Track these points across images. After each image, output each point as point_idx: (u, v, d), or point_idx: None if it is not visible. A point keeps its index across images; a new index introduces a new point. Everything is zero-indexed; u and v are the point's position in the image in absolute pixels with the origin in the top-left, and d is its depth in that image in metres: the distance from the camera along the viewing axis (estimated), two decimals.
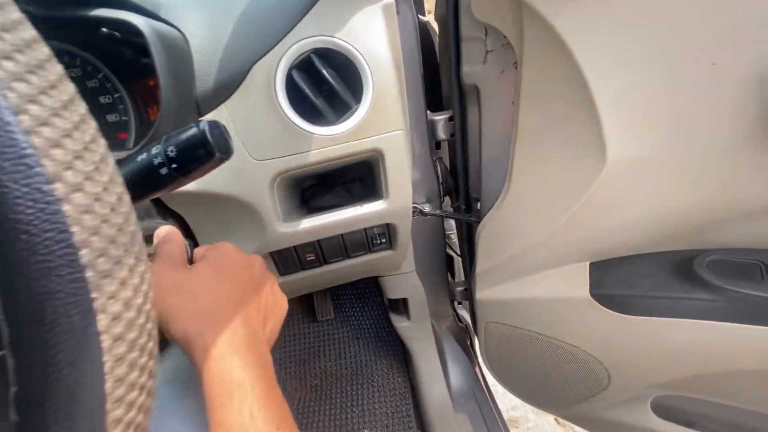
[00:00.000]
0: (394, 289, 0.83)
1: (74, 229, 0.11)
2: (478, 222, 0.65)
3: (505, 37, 0.50)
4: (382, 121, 0.45)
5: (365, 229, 0.54)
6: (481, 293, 0.69)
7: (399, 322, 0.91)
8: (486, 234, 0.63)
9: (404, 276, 0.81)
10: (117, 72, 0.46)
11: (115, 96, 0.47)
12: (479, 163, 0.62)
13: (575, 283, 0.57)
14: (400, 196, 0.49)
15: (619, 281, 0.54)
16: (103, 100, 0.47)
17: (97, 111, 0.47)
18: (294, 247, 0.52)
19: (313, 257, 0.55)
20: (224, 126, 0.30)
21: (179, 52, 0.41)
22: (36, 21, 0.12)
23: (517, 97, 0.51)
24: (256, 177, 0.45)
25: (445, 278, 0.91)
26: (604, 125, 0.44)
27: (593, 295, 0.55)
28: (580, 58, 0.42)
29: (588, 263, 0.58)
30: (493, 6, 0.48)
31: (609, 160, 0.46)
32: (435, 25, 0.67)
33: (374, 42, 0.45)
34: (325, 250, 0.54)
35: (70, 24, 0.41)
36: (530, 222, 0.58)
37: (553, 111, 0.49)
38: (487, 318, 0.71)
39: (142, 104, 0.48)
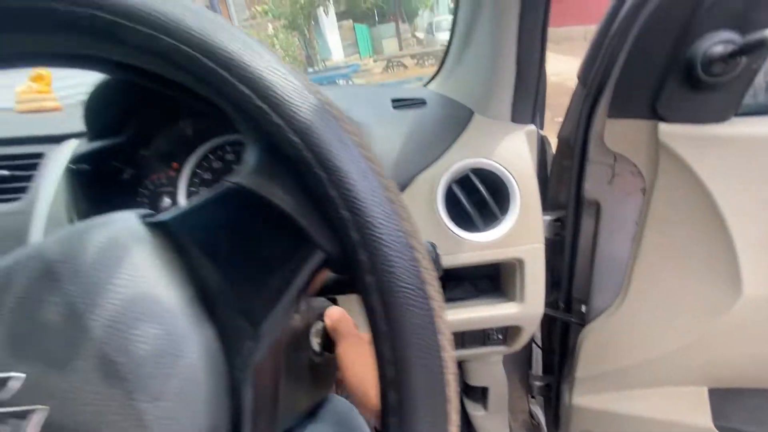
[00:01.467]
0: (476, 376, 0.83)
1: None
2: (581, 324, 0.66)
3: (635, 165, 0.55)
4: (525, 233, 0.50)
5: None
6: (579, 399, 0.68)
7: (474, 410, 0.89)
8: (592, 340, 0.64)
9: (490, 364, 0.81)
10: None
11: None
12: (589, 269, 0.64)
13: (694, 408, 0.56)
14: (533, 302, 0.53)
15: (749, 415, 0.52)
16: None
17: None
18: None
19: None
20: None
21: None
22: None
23: (643, 219, 0.55)
24: None
25: (527, 371, 0.90)
26: (741, 262, 0.47)
27: (718, 427, 0.53)
28: (720, 202, 0.46)
29: (706, 388, 0.57)
30: (628, 140, 0.54)
31: (745, 294, 0.48)
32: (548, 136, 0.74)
33: (521, 163, 0.51)
34: None
35: None
36: (647, 337, 0.58)
37: (682, 237, 0.52)
38: (581, 425, 0.69)
39: None
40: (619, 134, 0.54)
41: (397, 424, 0.19)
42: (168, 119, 0.53)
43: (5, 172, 0.51)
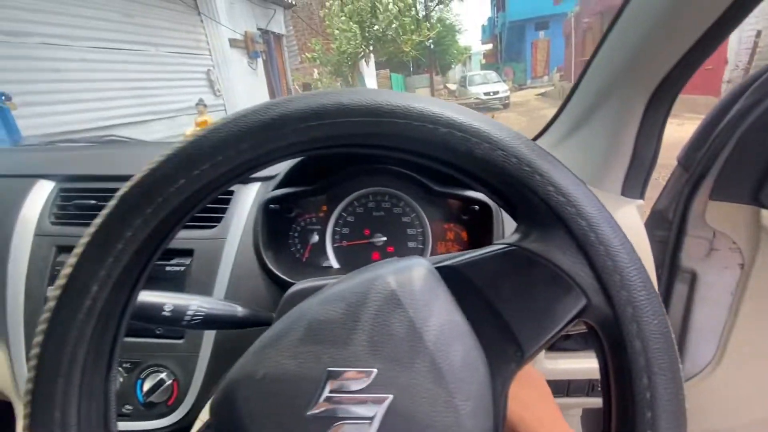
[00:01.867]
0: None
1: None
2: None
3: (734, 243, 0.62)
4: None
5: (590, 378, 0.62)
6: None
7: None
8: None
9: (569, 417, 0.84)
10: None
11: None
12: (681, 334, 0.70)
13: None
14: None
15: None
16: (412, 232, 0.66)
17: None
18: None
19: None
20: None
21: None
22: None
23: (741, 291, 0.61)
24: None
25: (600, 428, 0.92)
26: None
27: None
28: None
29: None
30: (729, 220, 0.61)
31: None
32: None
33: (636, 237, 0.59)
34: (552, 386, 0.63)
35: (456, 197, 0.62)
36: (741, 402, 0.62)
37: None
38: None
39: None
40: (719, 214, 0.62)
41: None
42: (350, 178, 0.65)
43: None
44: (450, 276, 0.28)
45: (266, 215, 0.60)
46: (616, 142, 0.59)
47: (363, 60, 9.68)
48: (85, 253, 0.25)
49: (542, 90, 15.21)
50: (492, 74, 14.68)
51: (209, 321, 0.43)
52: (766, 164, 0.56)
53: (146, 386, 0.56)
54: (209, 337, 0.57)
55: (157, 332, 0.58)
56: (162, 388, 0.55)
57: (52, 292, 0.26)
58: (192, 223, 0.62)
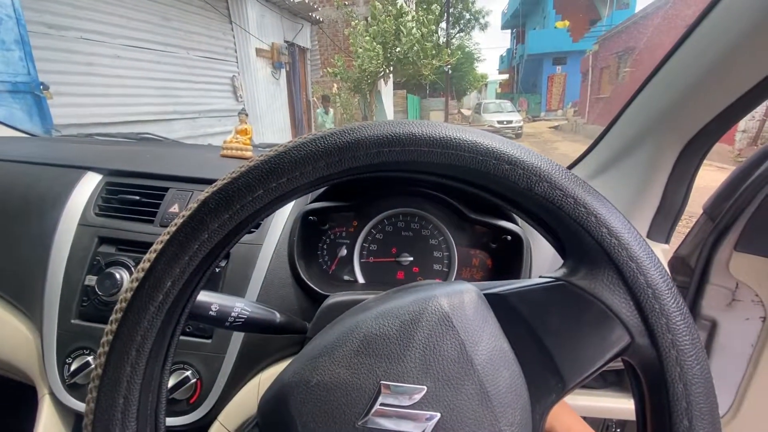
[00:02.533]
0: None
1: None
2: None
3: (757, 295, 0.63)
4: None
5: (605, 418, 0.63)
6: None
7: None
8: None
9: None
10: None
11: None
12: None
13: None
14: None
15: None
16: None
17: None
18: None
19: None
20: None
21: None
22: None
23: (761, 345, 0.62)
24: None
25: None
26: None
27: None
28: None
29: None
30: (754, 272, 0.62)
31: None
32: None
33: None
34: None
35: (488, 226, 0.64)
36: None
37: None
38: None
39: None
40: (744, 265, 0.63)
41: None
42: (383, 197, 0.67)
43: None
44: (497, 303, 0.30)
45: (303, 226, 0.62)
46: (647, 186, 0.61)
47: (382, 79, 9.88)
48: (164, 250, 0.27)
49: (556, 123, 15.35)
50: (507, 104, 14.91)
51: (250, 324, 0.44)
52: None
53: (171, 382, 0.57)
54: (237, 339, 0.58)
55: (187, 330, 0.59)
56: (186, 385, 0.57)
57: (129, 283, 0.28)
58: None
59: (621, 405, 0.60)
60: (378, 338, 0.28)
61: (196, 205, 0.28)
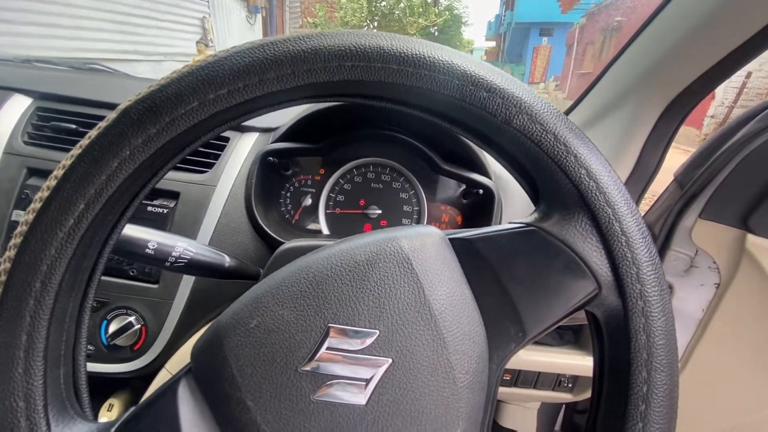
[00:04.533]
0: (510, 419, 0.88)
1: None
2: None
3: (714, 262, 0.64)
4: None
5: (559, 373, 0.64)
6: None
7: None
8: None
9: (526, 409, 0.87)
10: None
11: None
12: None
13: None
14: None
15: None
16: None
17: None
18: None
19: (509, 378, 0.65)
20: None
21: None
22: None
23: (711, 310, 0.64)
24: None
25: (554, 425, 0.96)
26: None
27: None
28: None
29: None
30: (715, 240, 0.63)
31: None
32: None
33: None
34: (521, 377, 0.64)
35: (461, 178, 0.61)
36: (688, 414, 0.66)
37: (746, 334, 0.60)
38: None
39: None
40: (705, 232, 0.64)
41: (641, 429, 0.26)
42: (354, 143, 0.62)
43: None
44: (462, 249, 0.28)
45: (262, 168, 0.57)
46: (625, 145, 0.59)
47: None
48: (75, 166, 0.23)
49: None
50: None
51: (194, 266, 0.40)
52: (760, 191, 0.58)
53: (112, 328, 0.53)
54: (186, 285, 0.54)
55: (131, 273, 0.55)
56: (129, 332, 0.53)
57: (33, 204, 0.23)
58: (181, 165, 0.58)
59: (575, 361, 0.62)
60: (329, 279, 0.25)
61: (115, 115, 0.23)
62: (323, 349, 0.24)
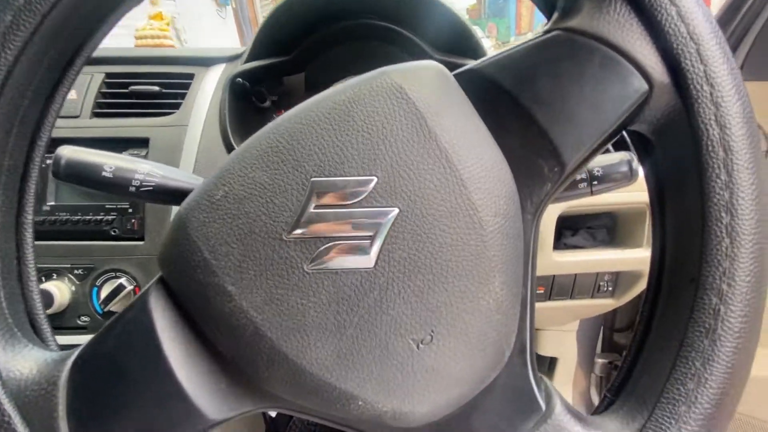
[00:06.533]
0: (550, 346, 0.83)
1: None
2: None
3: (760, 127, 0.57)
4: None
5: (597, 274, 0.58)
6: None
7: None
8: None
9: (564, 334, 0.82)
10: None
11: None
12: None
13: None
14: None
15: None
16: None
17: None
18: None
19: (542, 291, 0.59)
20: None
21: None
22: None
23: None
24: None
25: (594, 348, 0.91)
26: None
27: None
28: None
29: None
30: (759, 103, 0.55)
31: None
32: None
33: None
34: (556, 286, 0.59)
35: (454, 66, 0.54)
36: None
37: None
38: None
39: None
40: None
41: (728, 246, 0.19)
42: (323, 48, 0.55)
43: (156, 88, 0.53)
44: (471, 82, 0.21)
45: (233, 95, 0.50)
46: None
47: None
48: None
49: None
50: (475, 30, 14.22)
51: (162, 191, 0.34)
52: None
53: (103, 293, 0.49)
54: None
55: (113, 233, 0.50)
56: (122, 294, 0.48)
57: None
58: (145, 110, 0.53)
59: (614, 256, 0.56)
60: (305, 127, 0.20)
61: None
62: (310, 209, 0.19)
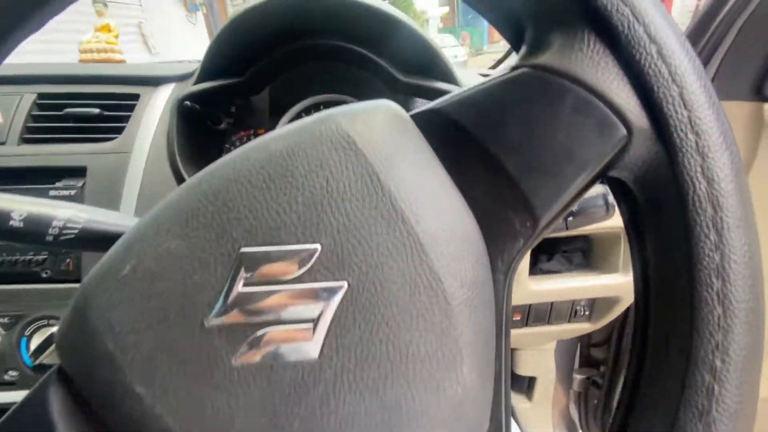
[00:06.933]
0: (527, 366, 0.82)
1: None
2: None
3: None
4: None
5: (574, 300, 0.57)
6: None
7: (518, 402, 0.88)
8: None
9: (542, 353, 0.80)
10: None
11: None
12: None
13: None
14: None
15: None
16: None
17: None
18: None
19: (519, 318, 0.57)
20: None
21: None
22: None
23: None
24: None
25: (572, 365, 0.90)
26: None
27: None
28: None
29: None
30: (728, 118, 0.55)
31: None
32: None
33: None
34: (533, 313, 0.57)
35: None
36: None
37: None
38: None
39: None
40: None
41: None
42: (284, 68, 0.51)
43: (95, 111, 0.48)
44: (432, 124, 0.19)
45: (182, 119, 0.46)
46: None
47: None
48: None
49: (501, 56, 15.41)
50: (448, 38, 14.47)
51: (87, 239, 0.30)
52: None
53: (33, 344, 0.43)
54: None
55: (44, 275, 0.44)
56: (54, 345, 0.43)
57: None
58: (82, 135, 0.47)
59: (590, 282, 0.54)
60: (233, 185, 0.16)
61: None
62: (238, 287, 0.15)
